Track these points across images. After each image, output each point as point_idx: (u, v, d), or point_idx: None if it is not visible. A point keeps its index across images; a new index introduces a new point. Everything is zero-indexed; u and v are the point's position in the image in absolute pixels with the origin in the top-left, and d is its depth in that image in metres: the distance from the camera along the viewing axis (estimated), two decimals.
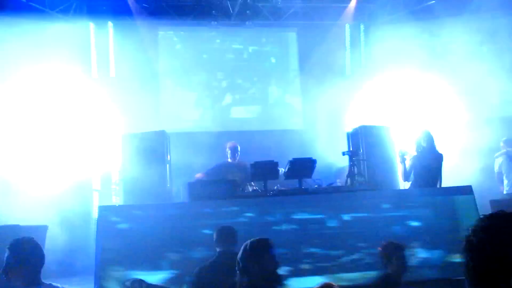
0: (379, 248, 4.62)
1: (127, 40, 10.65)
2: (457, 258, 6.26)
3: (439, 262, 6.46)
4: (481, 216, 1.69)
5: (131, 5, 10.55)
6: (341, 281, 5.92)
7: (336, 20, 11.51)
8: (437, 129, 8.55)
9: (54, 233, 7.70)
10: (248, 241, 3.43)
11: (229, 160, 8.26)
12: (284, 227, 6.50)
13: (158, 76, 11.27)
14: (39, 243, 3.40)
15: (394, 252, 4.50)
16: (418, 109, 10.68)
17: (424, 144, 7.50)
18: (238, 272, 3.39)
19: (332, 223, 6.59)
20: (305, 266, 6.26)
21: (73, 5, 10.35)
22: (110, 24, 10.85)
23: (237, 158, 8.26)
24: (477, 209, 6.75)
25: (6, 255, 3.28)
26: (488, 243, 1.56)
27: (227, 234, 4.92)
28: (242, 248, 3.43)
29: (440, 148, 7.65)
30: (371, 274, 6.26)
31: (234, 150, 8.26)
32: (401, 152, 7.51)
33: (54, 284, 3.36)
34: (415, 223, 6.73)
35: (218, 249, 4.96)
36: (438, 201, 6.94)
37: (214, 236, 5.04)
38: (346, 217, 6.63)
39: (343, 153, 7.64)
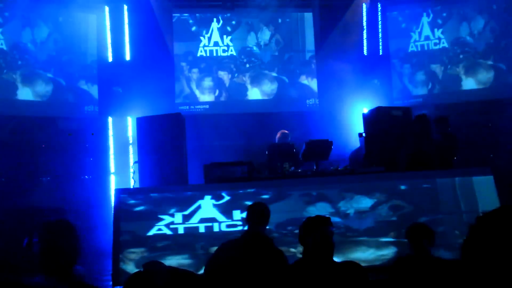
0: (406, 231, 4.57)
1: (142, 23, 10.64)
2: None
3: (456, 243, 6.42)
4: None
5: None
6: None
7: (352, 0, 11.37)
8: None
9: (71, 215, 7.78)
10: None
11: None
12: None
13: (173, 58, 11.26)
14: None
15: (419, 235, 4.44)
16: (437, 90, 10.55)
17: (439, 129, 7.50)
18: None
19: (347, 207, 6.56)
20: None
21: None
22: (125, 7, 10.83)
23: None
24: (495, 190, 6.67)
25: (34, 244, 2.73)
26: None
27: (256, 212, 4.71)
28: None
29: (456, 131, 7.61)
30: (387, 256, 6.26)
31: (285, 139, 8.25)
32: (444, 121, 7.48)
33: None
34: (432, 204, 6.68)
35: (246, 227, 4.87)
36: (457, 182, 6.87)
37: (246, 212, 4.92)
38: (364, 200, 6.60)
39: (359, 135, 7.58)
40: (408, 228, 4.53)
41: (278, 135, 8.37)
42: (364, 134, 7.54)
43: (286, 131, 8.40)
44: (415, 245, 4.39)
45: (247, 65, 11.55)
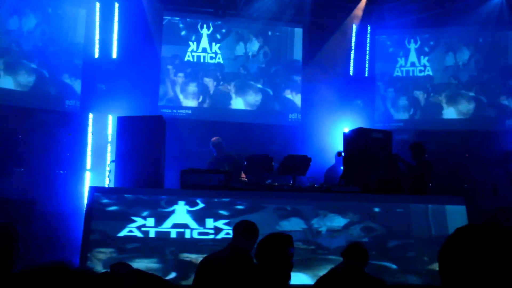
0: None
1: (132, 22, 10.60)
2: None
3: (423, 270, 6.48)
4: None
5: None
6: None
7: (344, 19, 11.48)
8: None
9: (44, 210, 7.67)
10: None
11: (215, 155, 8.31)
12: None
13: (160, 61, 11.23)
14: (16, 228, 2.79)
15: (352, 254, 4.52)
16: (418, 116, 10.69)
17: (414, 155, 7.64)
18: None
19: (320, 225, 6.59)
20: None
21: None
22: (116, 5, 10.79)
23: (224, 151, 8.31)
24: (467, 221, 6.76)
25: None
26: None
27: (241, 229, 4.69)
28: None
29: (432, 159, 7.73)
30: None
31: (219, 146, 8.32)
32: (395, 157, 7.54)
33: None
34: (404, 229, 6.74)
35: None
36: (430, 209, 6.96)
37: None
38: (337, 219, 6.64)
39: (338, 153, 7.62)
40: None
41: (214, 139, 8.43)
42: (343, 153, 7.59)
43: (219, 139, 8.43)
44: (347, 263, 4.46)
45: (233, 74, 11.57)
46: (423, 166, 7.73)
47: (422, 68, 11.68)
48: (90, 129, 10.30)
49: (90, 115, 10.36)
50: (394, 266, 6.49)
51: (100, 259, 6.07)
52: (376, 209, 6.81)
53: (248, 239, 4.51)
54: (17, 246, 2.71)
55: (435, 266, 6.44)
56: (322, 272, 6.19)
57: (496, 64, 11.39)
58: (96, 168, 9.98)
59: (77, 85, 10.50)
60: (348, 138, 7.80)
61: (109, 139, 10.02)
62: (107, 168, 9.54)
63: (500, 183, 8.53)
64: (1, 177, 8.24)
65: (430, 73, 11.66)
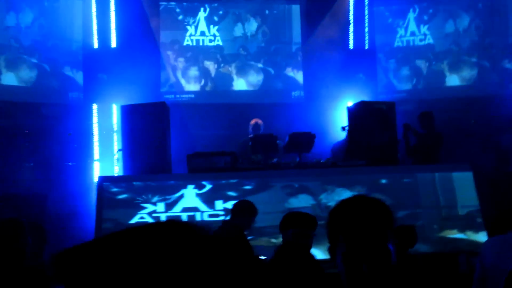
0: None
1: (128, 10, 10.58)
2: (452, 234, 6.33)
3: (433, 238, 6.53)
4: None
5: None
6: None
7: None
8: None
9: (55, 202, 7.77)
10: None
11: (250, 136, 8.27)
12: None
13: (159, 47, 11.22)
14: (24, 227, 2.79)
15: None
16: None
17: (423, 124, 7.59)
18: None
19: (328, 200, 6.64)
20: None
21: None
22: None
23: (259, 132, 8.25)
24: (474, 186, 6.79)
25: None
26: None
27: (238, 207, 4.95)
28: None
29: (439, 128, 7.71)
30: None
31: (256, 127, 8.30)
32: (404, 127, 7.52)
33: None
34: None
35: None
36: (437, 177, 6.99)
37: None
38: (345, 193, 6.68)
39: (342, 128, 7.65)
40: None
41: (252, 122, 8.42)
42: (347, 128, 7.61)
43: (260, 121, 8.43)
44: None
45: (233, 56, 11.55)
46: (434, 135, 7.69)
47: (422, 37, 11.60)
48: (95, 119, 10.36)
49: (94, 106, 10.41)
50: None
51: None
52: (383, 181, 6.85)
53: (243, 217, 4.71)
54: (25, 240, 2.75)
55: (445, 234, 6.51)
56: None
57: (497, 28, 11.28)
58: (104, 157, 10.06)
59: (79, 77, 10.54)
60: (352, 112, 7.82)
61: (115, 128, 10.08)
62: (115, 157, 9.65)
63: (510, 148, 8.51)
64: (11, 173, 8.34)
65: (431, 41, 11.58)
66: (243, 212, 4.80)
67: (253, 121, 8.46)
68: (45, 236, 3.35)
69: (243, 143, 8.12)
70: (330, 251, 1.76)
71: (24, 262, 2.71)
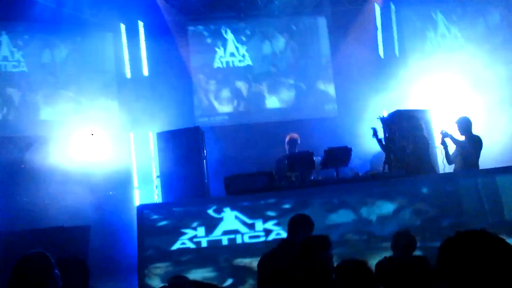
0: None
1: (157, 38, 10.77)
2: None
3: None
4: None
5: (159, 3, 10.67)
6: None
7: (365, 2, 11.34)
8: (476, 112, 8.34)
9: (97, 232, 7.88)
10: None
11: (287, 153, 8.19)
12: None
13: (190, 71, 11.36)
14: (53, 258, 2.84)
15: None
16: (457, 92, 10.38)
17: (461, 129, 7.38)
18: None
19: (369, 213, 6.52)
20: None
21: (103, 7, 10.53)
22: (140, 23, 10.99)
23: (297, 150, 8.15)
24: None
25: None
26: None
27: (293, 222, 4.76)
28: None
29: (478, 132, 7.49)
30: None
31: (292, 142, 8.22)
32: (442, 134, 7.34)
33: None
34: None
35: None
36: (480, 183, 6.78)
37: None
38: (386, 206, 6.55)
39: (373, 136, 7.44)
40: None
41: (287, 138, 8.33)
42: (376, 130, 7.43)
43: (295, 135, 8.34)
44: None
45: (264, 74, 11.60)
46: (473, 139, 7.46)
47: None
48: (132, 147, 10.53)
49: (131, 134, 10.58)
50: None
51: (157, 274, 6.21)
52: (424, 190, 6.69)
53: (301, 232, 4.54)
54: (50, 274, 2.77)
55: None
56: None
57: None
58: (144, 185, 10.20)
59: (114, 106, 10.74)
60: (387, 122, 7.69)
61: (152, 155, 10.21)
62: (154, 184, 9.76)
63: None
64: (53, 205, 8.51)
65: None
66: (303, 227, 4.62)
67: (288, 137, 8.40)
68: (87, 271, 3.39)
69: (280, 161, 8.06)
70: None
71: None
